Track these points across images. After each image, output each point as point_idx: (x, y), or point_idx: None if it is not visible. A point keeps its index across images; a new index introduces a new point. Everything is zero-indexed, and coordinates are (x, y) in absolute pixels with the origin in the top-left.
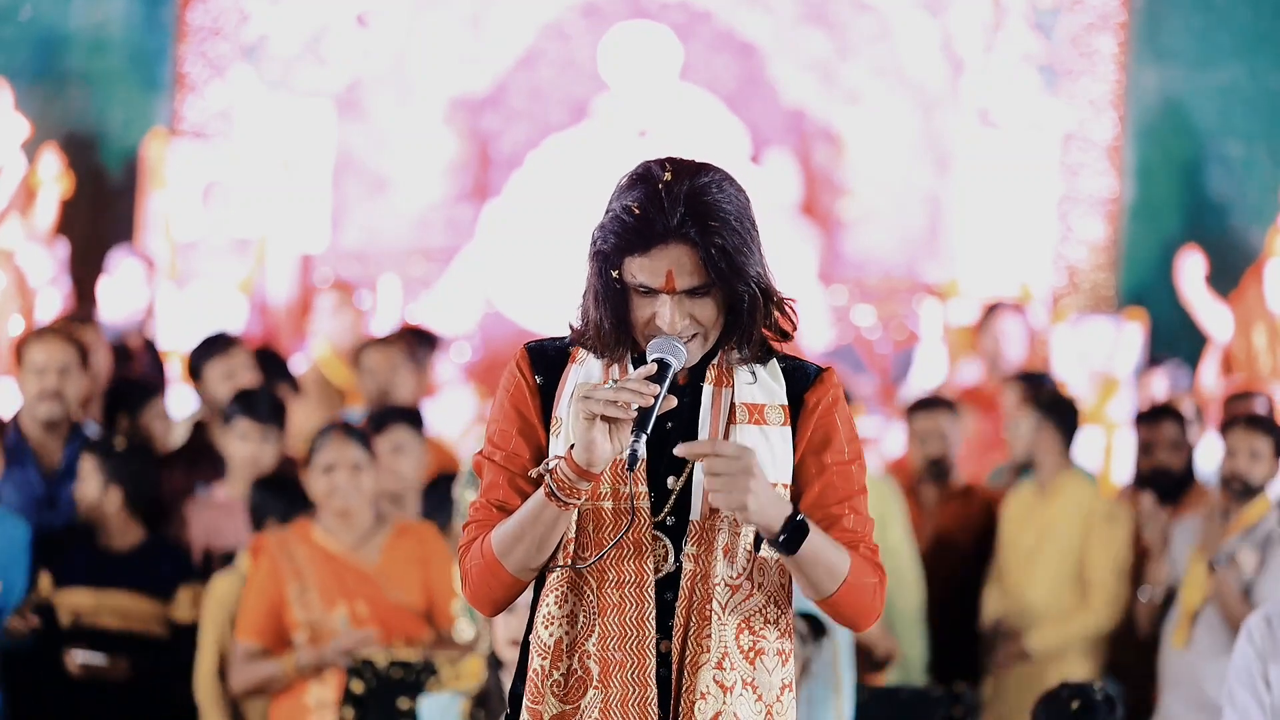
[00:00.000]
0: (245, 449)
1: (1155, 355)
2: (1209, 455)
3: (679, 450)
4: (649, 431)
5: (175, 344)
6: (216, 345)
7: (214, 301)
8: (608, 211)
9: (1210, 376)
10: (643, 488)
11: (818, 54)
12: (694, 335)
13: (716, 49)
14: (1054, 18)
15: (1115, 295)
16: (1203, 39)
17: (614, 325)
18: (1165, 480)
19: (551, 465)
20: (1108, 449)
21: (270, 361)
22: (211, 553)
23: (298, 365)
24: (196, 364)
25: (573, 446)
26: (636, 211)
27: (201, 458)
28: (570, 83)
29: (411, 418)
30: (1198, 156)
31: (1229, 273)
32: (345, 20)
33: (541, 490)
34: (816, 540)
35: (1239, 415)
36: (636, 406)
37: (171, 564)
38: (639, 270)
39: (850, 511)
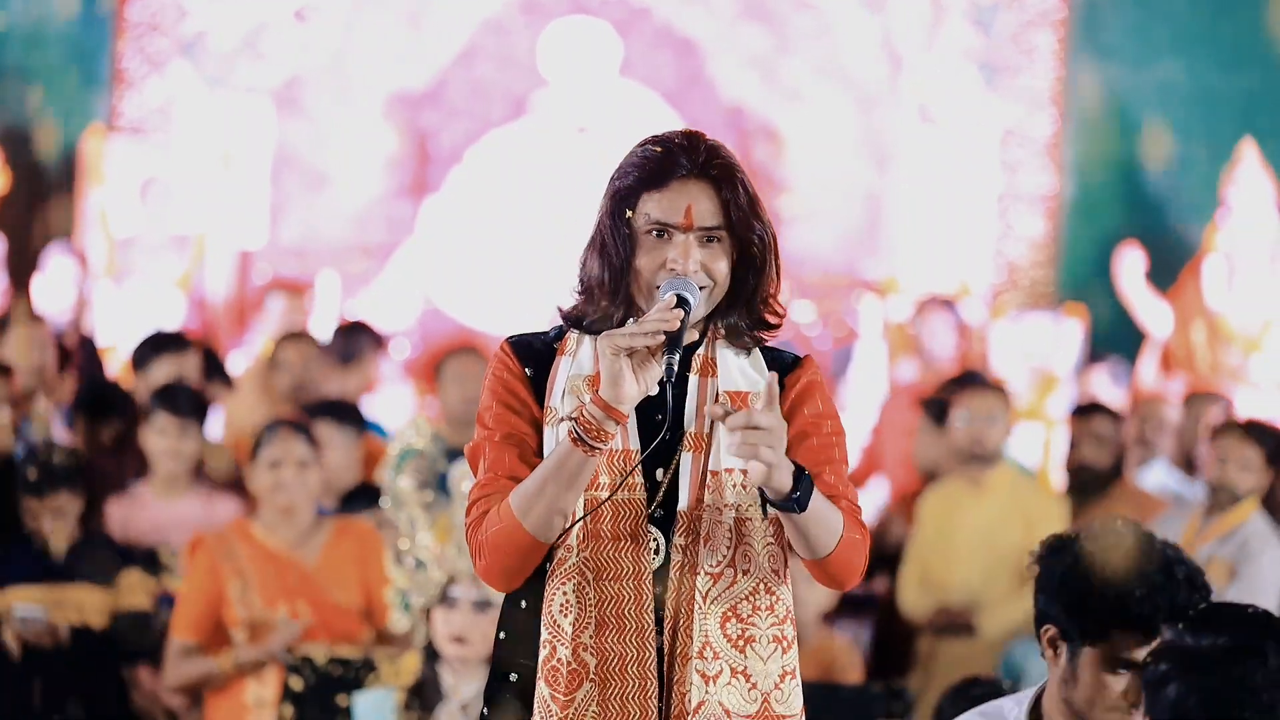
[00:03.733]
0: (163, 444)
1: (1095, 352)
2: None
3: (711, 411)
4: (680, 351)
5: (113, 340)
6: (160, 344)
7: (152, 298)
8: (627, 157)
9: (1149, 373)
10: (638, 479)
11: (757, 51)
12: (702, 288)
13: (656, 45)
14: (993, 14)
15: (1054, 291)
16: (1141, 36)
17: (617, 274)
18: (1086, 476)
19: (575, 412)
20: (1046, 445)
21: (206, 358)
22: (132, 550)
23: (236, 362)
24: (139, 361)
25: (597, 390)
26: (659, 150)
27: (131, 456)
28: (509, 78)
29: (342, 413)
30: (1136, 153)
31: (1168, 269)
32: (284, 16)
33: (567, 438)
34: (818, 496)
35: (1231, 423)
36: (664, 332)
37: (108, 558)
38: (657, 206)
39: (831, 472)
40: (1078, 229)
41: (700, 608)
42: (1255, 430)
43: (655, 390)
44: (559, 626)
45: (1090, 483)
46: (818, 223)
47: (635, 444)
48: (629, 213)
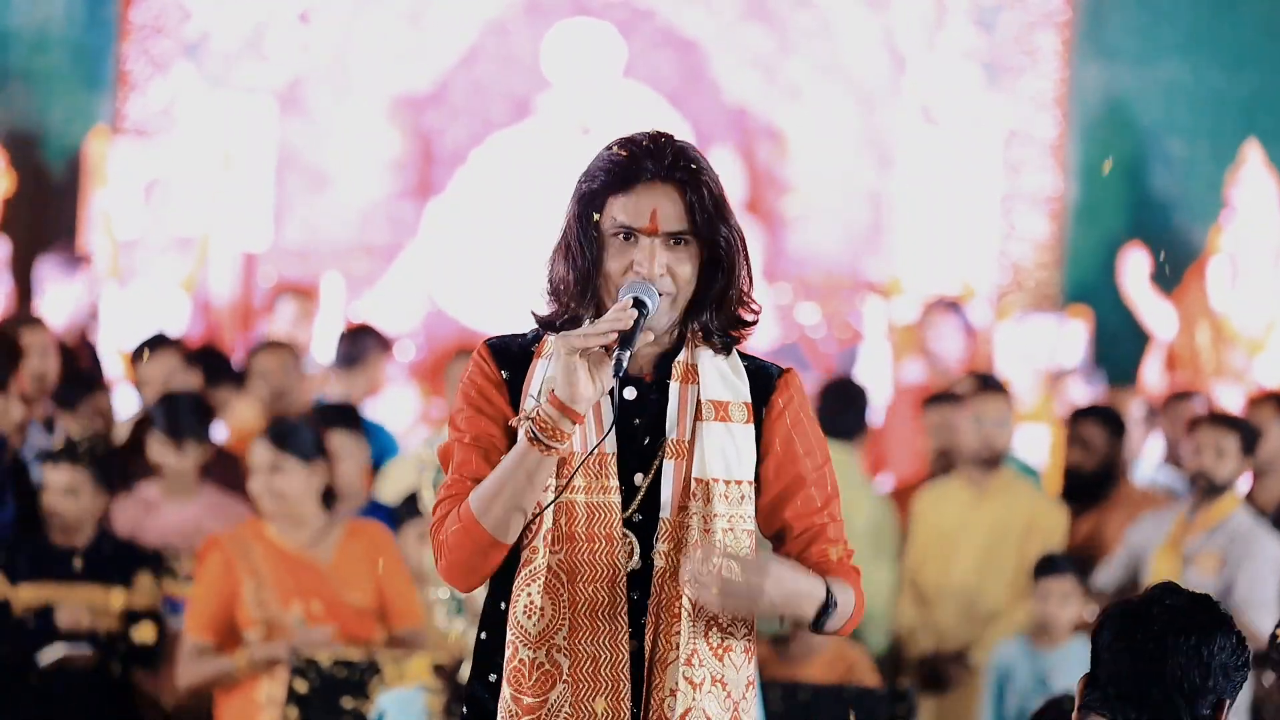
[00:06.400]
0: (164, 456)
1: (1100, 353)
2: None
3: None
4: (634, 349)
5: (117, 342)
6: (151, 346)
7: (156, 300)
8: (594, 160)
9: (1154, 375)
10: (613, 482)
11: (759, 51)
12: (665, 294)
13: (659, 46)
14: (996, 14)
15: (1059, 293)
16: (1145, 36)
17: (584, 277)
18: (1085, 477)
19: (532, 409)
20: (1053, 448)
21: (213, 360)
22: (136, 550)
23: (242, 363)
24: (134, 363)
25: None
26: (625, 153)
27: (140, 456)
28: (513, 80)
29: (349, 419)
30: (1141, 154)
31: (1172, 271)
32: (287, 17)
33: (523, 437)
34: (842, 608)
35: (1207, 414)
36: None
37: (126, 557)
38: (622, 210)
39: (830, 519)
40: (1082, 230)
41: (689, 615)
42: (1229, 421)
43: (610, 387)
44: (523, 627)
45: (1089, 484)
46: (821, 223)
47: (612, 447)
48: (596, 216)
